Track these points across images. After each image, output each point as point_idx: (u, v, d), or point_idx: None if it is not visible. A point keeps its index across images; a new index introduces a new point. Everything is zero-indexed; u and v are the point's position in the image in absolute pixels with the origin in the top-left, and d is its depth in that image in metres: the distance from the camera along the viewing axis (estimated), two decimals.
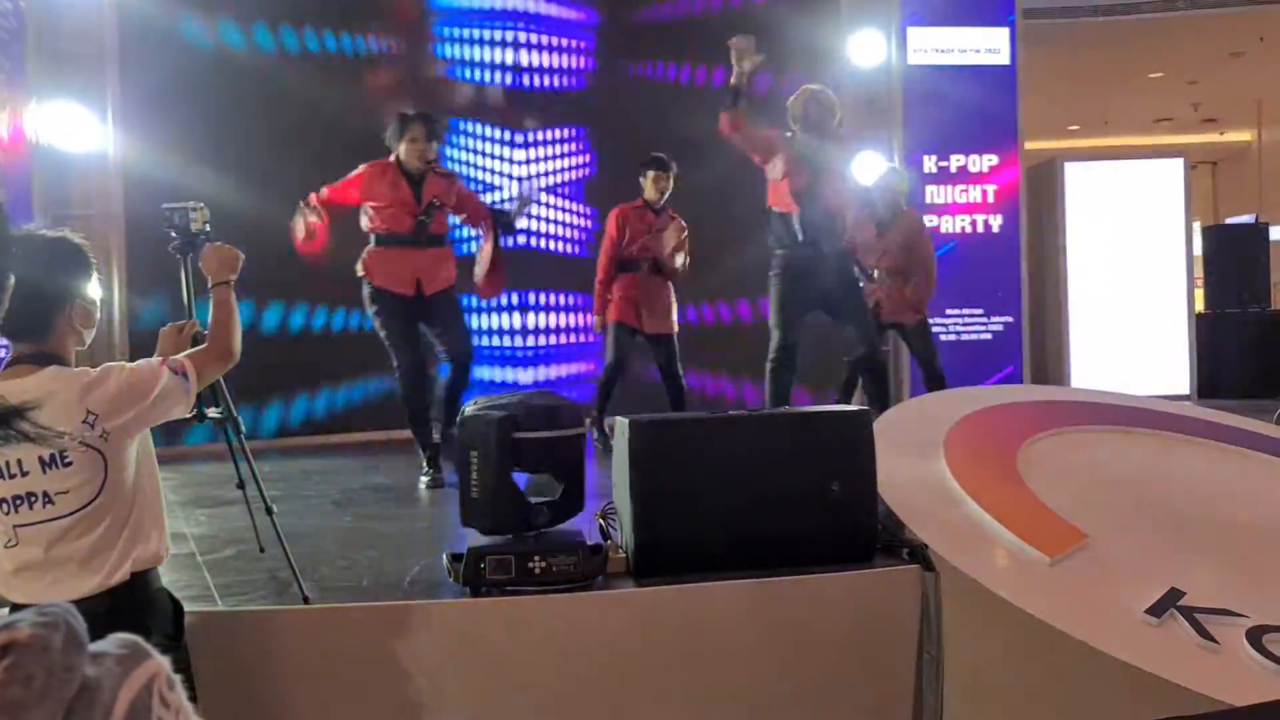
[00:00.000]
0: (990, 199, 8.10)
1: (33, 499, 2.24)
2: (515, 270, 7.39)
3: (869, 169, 7.17)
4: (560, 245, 7.54)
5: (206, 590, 3.21)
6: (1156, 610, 2.94)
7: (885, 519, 3.44)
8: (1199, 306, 9.57)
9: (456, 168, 7.20)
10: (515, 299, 7.40)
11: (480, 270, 5.46)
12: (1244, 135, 16.16)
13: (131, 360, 2.44)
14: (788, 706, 3.16)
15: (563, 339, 7.52)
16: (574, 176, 7.57)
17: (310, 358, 6.90)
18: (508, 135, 7.40)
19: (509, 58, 7.40)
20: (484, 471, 3.09)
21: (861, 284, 6.00)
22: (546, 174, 7.47)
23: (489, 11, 7.39)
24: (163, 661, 0.81)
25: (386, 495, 5.11)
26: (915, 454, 3.82)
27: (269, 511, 3.28)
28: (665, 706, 3.11)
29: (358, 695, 2.95)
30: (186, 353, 2.49)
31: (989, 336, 8.06)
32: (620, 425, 3.40)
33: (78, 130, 6.41)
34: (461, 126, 7.32)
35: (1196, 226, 10.16)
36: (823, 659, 3.19)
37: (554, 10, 7.53)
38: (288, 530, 3.28)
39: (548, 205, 7.50)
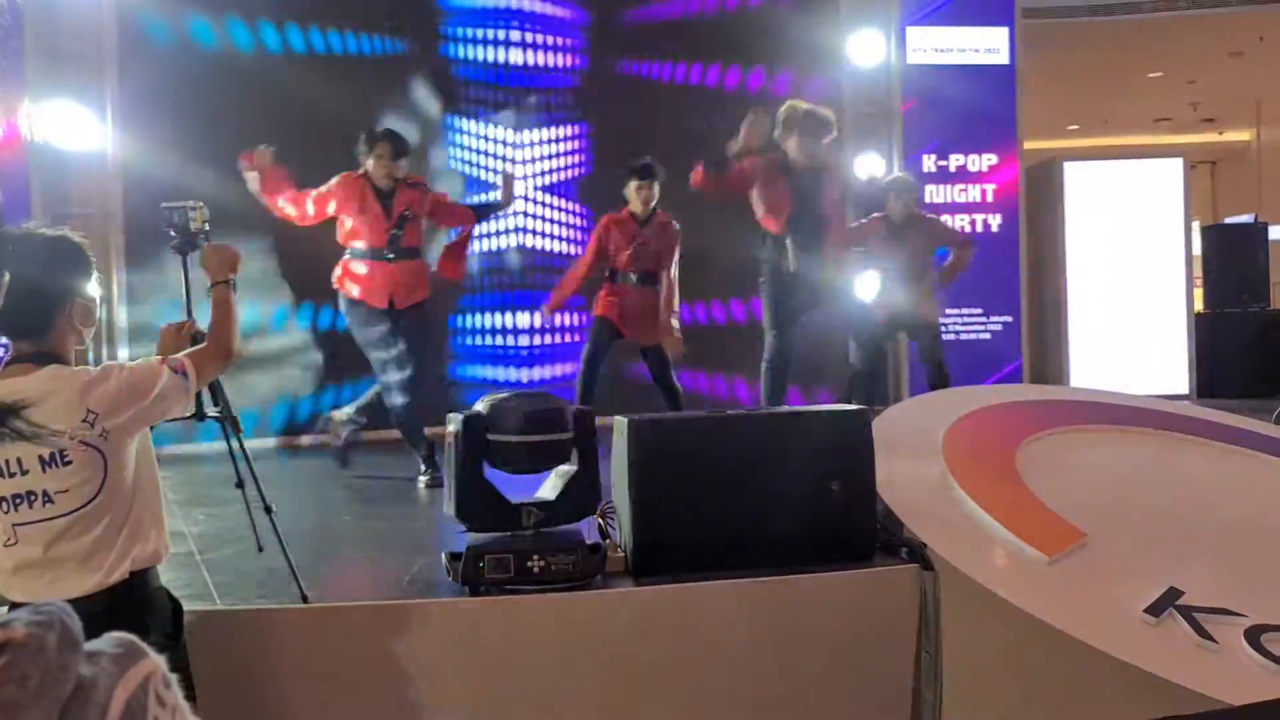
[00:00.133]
0: (990, 199, 8.10)
1: (32, 498, 2.24)
2: (510, 269, 7.42)
3: (869, 169, 7.16)
4: (553, 244, 7.53)
5: (205, 589, 3.20)
6: (1155, 609, 2.94)
7: (884, 518, 3.45)
8: (1198, 306, 9.57)
9: (452, 165, 7.20)
10: (508, 298, 7.41)
11: (444, 255, 5.55)
12: (1243, 135, 16.15)
13: (131, 359, 2.44)
14: (786, 704, 3.16)
15: (557, 339, 7.51)
16: (568, 176, 7.56)
17: (311, 357, 6.90)
18: (502, 133, 7.39)
19: (503, 56, 7.39)
20: (453, 469, 3.16)
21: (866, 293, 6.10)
22: (540, 174, 7.46)
23: (489, 11, 7.38)
24: (158, 660, 0.81)
25: (385, 495, 5.11)
26: (914, 453, 3.82)
27: (268, 510, 3.28)
28: (664, 705, 3.11)
29: (356, 694, 2.95)
30: (186, 352, 2.49)
31: (988, 336, 8.06)
32: (620, 425, 3.40)
33: (77, 129, 6.40)
34: (457, 124, 7.31)
35: (1196, 226, 10.13)
36: (821, 658, 3.19)
37: (548, 9, 7.52)
38: (286, 529, 3.28)
39: (541, 204, 7.48)
